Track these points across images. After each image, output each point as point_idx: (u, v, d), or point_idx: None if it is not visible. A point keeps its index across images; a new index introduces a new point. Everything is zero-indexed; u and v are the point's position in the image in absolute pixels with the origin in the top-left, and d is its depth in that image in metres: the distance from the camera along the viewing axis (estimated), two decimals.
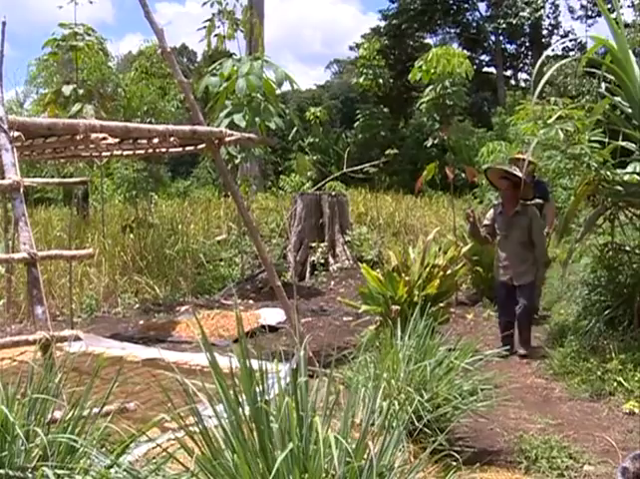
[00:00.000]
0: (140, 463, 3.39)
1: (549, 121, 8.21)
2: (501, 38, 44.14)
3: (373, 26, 44.19)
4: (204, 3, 11.22)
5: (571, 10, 44.42)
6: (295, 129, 20.01)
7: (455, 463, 3.88)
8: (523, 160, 8.44)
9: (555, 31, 44.54)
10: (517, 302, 8.09)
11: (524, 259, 8.08)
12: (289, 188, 20.11)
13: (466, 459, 4.04)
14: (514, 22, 40.52)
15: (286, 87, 9.09)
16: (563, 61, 17.53)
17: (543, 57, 9.67)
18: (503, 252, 8.25)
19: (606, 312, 7.26)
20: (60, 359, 3.75)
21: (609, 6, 7.76)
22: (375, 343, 6.59)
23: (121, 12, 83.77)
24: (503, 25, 40.93)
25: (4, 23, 9.08)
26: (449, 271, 8.05)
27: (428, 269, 7.87)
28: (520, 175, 7.80)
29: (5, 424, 2.79)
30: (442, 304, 7.74)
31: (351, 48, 46.17)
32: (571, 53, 38.24)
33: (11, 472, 2.70)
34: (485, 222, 8.46)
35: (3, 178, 5.26)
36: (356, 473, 2.94)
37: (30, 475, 2.76)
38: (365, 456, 3.07)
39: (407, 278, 7.79)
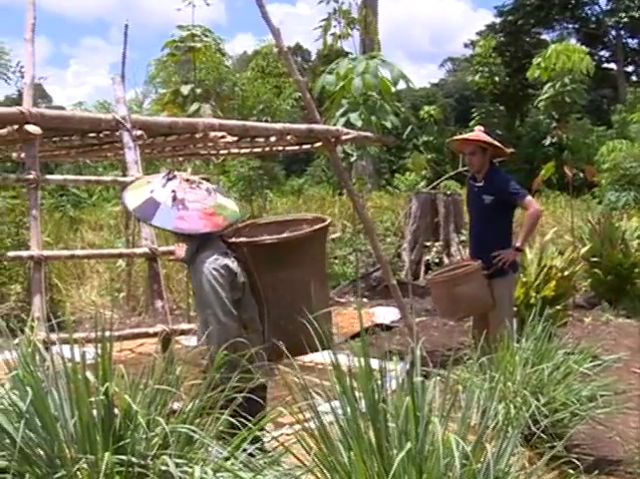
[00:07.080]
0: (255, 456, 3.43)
1: None
2: (623, 32, 42.75)
3: (485, 23, 43.77)
4: (320, 1, 11.27)
5: None
6: (410, 127, 19.93)
7: (572, 471, 3.77)
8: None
9: None
10: None
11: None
12: (403, 186, 20.04)
13: (584, 467, 3.92)
14: (637, 15, 39.12)
15: (400, 85, 9.06)
16: None
17: None
18: None
19: None
20: (180, 352, 3.83)
21: None
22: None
23: (232, 13, 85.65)
24: (625, 19, 39.53)
25: (126, 26, 9.41)
26: (566, 273, 7.87)
27: (545, 271, 7.71)
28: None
29: (128, 413, 2.87)
30: (559, 307, 7.56)
31: (466, 45, 45.94)
32: None
33: (134, 459, 2.78)
34: None
35: (125, 175, 5.44)
36: (474, 475, 2.89)
37: (150, 462, 2.83)
38: (481, 459, 3.02)
39: (524, 279, 7.65)
